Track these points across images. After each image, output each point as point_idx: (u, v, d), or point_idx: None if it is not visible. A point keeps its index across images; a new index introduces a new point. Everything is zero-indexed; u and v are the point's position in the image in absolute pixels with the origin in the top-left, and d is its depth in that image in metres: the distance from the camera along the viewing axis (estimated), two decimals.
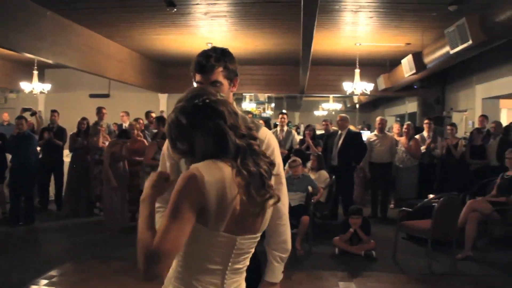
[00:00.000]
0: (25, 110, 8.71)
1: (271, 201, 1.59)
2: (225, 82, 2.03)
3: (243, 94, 12.88)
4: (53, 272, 5.21)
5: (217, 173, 1.49)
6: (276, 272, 2.05)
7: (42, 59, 7.30)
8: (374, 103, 18.43)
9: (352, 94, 10.08)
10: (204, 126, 1.55)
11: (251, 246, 1.60)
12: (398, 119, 16.65)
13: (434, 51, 7.72)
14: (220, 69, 2.00)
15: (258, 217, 1.59)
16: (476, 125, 8.90)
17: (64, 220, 7.94)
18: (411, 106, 13.32)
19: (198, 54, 2.03)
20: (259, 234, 1.62)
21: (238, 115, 1.59)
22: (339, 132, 7.84)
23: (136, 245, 1.48)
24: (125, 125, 9.36)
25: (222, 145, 1.55)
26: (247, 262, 1.63)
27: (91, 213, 8.35)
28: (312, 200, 6.36)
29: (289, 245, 2.09)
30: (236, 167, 1.53)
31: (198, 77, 2.02)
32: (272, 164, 1.63)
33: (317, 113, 19.30)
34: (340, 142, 7.67)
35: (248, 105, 13.58)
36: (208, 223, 1.49)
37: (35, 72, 9.99)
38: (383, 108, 17.66)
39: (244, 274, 1.64)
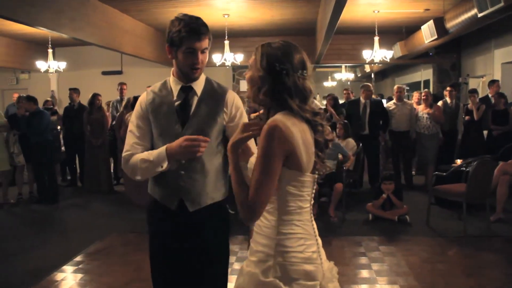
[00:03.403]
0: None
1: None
2: (208, 51, 2.15)
3: None
4: (95, 246, 5.28)
5: (295, 121, 1.66)
6: None
7: (63, 35, 7.22)
8: (384, 72, 18.26)
9: (372, 62, 10.00)
10: (272, 87, 1.69)
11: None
12: (408, 88, 16.56)
13: (458, 15, 7.60)
14: (207, 37, 2.10)
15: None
16: (489, 92, 8.81)
17: (87, 197, 8.00)
18: (425, 74, 13.23)
19: (188, 22, 2.04)
20: None
21: (308, 92, 1.71)
22: (363, 101, 7.83)
23: None
24: None
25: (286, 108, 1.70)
26: None
27: (112, 189, 8.40)
28: (344, 167, 6.38)
29: None
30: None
31: (188, 43, 2.05)
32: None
33: (326, 84, 19.13)
34: (368, 111, 7.72)
35: None
36: (301, 167, 1.67)
37: (50, 51, 9.88)
38: (394, 76, 17.51)
39: None
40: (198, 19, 2.09)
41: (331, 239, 5.36)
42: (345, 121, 7.43)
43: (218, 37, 10.42)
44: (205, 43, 2.10)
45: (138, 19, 9.51)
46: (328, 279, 1.77)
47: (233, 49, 9.93)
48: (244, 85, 12.66)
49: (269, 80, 1.68)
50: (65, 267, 4.64)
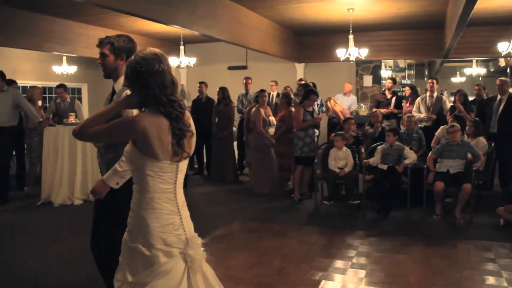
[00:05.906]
0: None
1: (189, 134, 2.18)
2: (111, 56, 2.97)
3: (381, 60, 12.38)
4: (220, 231, 5.63)
5: (154, 118, 2.07)
6: (109, 175, 2.83)
7: (194, 32, 7.73)
8: None
9: (508, 55, 9.23)
10: (136, 86, 2.13)
11: (186, 167, 2.24)
12: None
13: None
14: (108, 46, 2.96)
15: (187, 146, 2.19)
16: None
17: (213, 185, 8.50)
18: None
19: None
20: (188, 158, 2.23)
21: (166, 88, 2.11)
22: (499, 97, 7.29)
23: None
24: (273, 94, 9.69)
25: (149, 104, 2.13)
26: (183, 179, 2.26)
27: (237, 179, 8.83)
28: (473, 168, 6.03)
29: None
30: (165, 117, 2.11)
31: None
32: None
33: (454, 79, 17.94)
34: (501, 108, 7.16)
35: (386, 72, 13.06)
36: (156, 155, 2.07)
37: (182, 47, 10.62)
38: None
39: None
40: (107, 37, 2.99)
41: (457, 242, 5.11)
42: (476, 118, 6.99)
43: (343, 31, 10.36)
44: (104, 50, 2.96)
45: (263, 16, 9.81)
46: (190, 247, 2.19)
47: (357, 43, 9.78)
48: (367, 81, 12.41)
49: (134, 84, 2.14)
50: None
